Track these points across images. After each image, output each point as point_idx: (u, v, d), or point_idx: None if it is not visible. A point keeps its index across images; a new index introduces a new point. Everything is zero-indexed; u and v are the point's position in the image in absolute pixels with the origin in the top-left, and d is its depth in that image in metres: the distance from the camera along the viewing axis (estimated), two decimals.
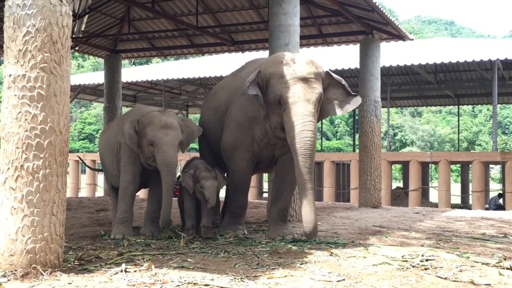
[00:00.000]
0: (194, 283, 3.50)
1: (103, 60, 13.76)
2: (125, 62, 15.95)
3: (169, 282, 3.54)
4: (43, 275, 3.59)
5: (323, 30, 11.59)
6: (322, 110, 5.42)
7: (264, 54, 8.82)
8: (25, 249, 3.68)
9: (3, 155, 3.80)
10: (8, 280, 3.51)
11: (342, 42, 11.99)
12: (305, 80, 5.14)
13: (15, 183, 3.72)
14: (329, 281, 3.66)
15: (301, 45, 8.03)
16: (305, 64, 5.23)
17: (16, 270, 3.62)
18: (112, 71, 13.15)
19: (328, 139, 47.24)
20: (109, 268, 3.97)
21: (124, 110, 18.22)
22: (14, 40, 3.77)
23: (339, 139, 48.88)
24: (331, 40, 11.91)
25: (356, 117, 19.32)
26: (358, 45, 10.80)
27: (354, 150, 22.71)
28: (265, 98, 5.29)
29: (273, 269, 4.03)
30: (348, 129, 47.35)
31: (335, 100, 5.47)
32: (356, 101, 5.49)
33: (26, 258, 3.68)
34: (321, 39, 11.86)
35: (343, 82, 5.50)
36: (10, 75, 3.78)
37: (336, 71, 17.23)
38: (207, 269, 3.98)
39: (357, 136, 17.15)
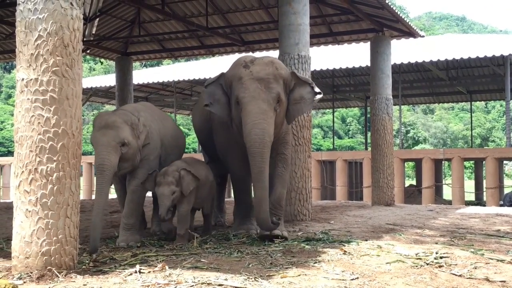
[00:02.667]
0: (208, 283, 3.51)
1: (114, 62, 13.83)
2: (136, 64, 16.03)
3: (183, 282, 3.55)
4: (58, 277, 3.62)
5: (333, 29, 11.57)
6: (291, 110, 5.49)
7: (274, 53, 8.82)
8: (40, 251, 3.71)
9: (17, 158, 3.83)
10: (24, 282, 3.54)
11: (353, 40, 11.95)
12: (261, 80, 5.17)
13: (29, 186, 3.75)
14: (343, 280, 3.65)
15: (311, 44, 8.01)
16: (264, 65, 5.27)
17: (31, 272, 3.65)
18: (124, 74, 13.21)
19: (340, 137, 47.15)
20: (123, 269, 3.99)
21: None
22: (26, 44, 3.80)
23: (351, 137, 48.78)
24: (341, 38, 11.88)
25: (368, 115, 19.26)
26: (368, 43, 10.77)
27: (366, 148, 22.64)
28: (230, 100, 5.41)
29: (286, 268, 4.03)
30: (360, 127, 47.22)
31: (303, 100, 5.51)
32: (317, 97, 5.54)
33: (41, 260, 3.71)
34: (331, 37, 11.84)
35: (310, 81, 5.60)
36: (22, 79, 3.81)
37: (347, 70, 17.24)
38: (220, 269, 3.99)
39: (369, 134, 17.11)
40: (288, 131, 5.90)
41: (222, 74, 5.55)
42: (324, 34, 11.67)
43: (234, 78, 5.32)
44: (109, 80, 19.38)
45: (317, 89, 5.56)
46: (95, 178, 6.37)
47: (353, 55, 17.32)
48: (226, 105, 5.46)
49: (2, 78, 48.32)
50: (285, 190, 5.89)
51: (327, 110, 36.66)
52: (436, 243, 5.15)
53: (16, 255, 3.77)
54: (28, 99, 3.78)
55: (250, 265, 4.14)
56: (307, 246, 4.99)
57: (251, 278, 3.65)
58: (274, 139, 5.29)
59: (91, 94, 19.79)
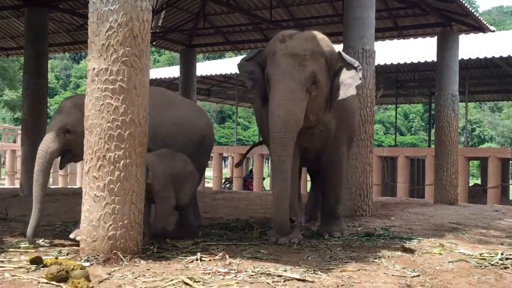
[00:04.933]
0: (268, 274, 3.54)
1: (178, 54, 14.06)
2: (198, 56, 16.23)
3: (243, 271, 3.59)
4: (123, 261, 3.73)
5: (399, 23, 11.36)
6: (334, 94, 4.83)
7: (337, 48, 8.75)
8: (106, 235, 3.84)
9: (87, 145, 3.98)
10: (91, 264, 3.67)
11: (419, 35, 11.70)
12: (296, 56, 4.58)
13: (97, 172, 3.88)
14: (404, 277, 3.61)
15: (376, 38, 7.89)
16: (302, 40, 4.69)
17: (98, 255, 3.78)
18: (188, 65, 13.43)
19: (402, 134, 46.27)
20: (185, 256, 4.07)
21: (199, 104, 18.46)
22: (97, 35, 3.93)
23: (414, 134, 47.77)
24: (407, 32, 11.65)
25: (432, 112, 18.82)
26: (435, 38, 10.51)
27: (429, 146, 22.14)
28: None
29: (346, 262, 4.01)
30: (423, 124, 46.18)
31: (344, 84, 4.85)
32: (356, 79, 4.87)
33: (108, 244, 3.84)
34: (397, 31, 11.63)
35: (356, 64, 4.90)
36: (93, 69, 3.94)
37: (412, 64, 16.88)
38: (280, 260, 4.01)
39: (432, 131, 16.71)
40: (348, 123, 5.28)
41: (260, 51, 5.03)
42: (390, 28, 11.48)
43: (269, 53, 4.76)
44: (173, 71, 19.72)
45: (360, 75, 4.91)
46: None
47: (418, 49, 16.94)
48: (263, 85, 4.87)
49: (71, 68, 50.03)
50: (341, 191, 5.48)
51: (390, 106, 36.05)
52: (502, 244, 5.00)
53: (84, 238, 3.91)
54: (99, 88, 3.91)
55: (309, 258, 4.15)
56: (367, 242, 4.95)
57: (310, 271, 3.66)
58: (313, 129, 4.88)
59: (155, 85, 20.19)
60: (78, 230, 4.54)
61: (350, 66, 4.86)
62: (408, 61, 16.07)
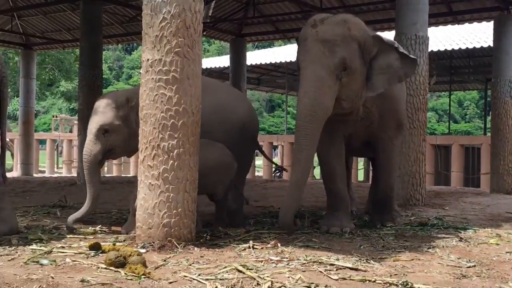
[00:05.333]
0: (320, 262, 3.55)
1: (227, 44, 14.12)
2: (248, 45, 16.27)
3: (295, 260, 3.62)
4: (178, 248, 3.82)
5: (453, 8, 11.05)
6: (375, 81, 4.62)
7: (389, 34, 8.62)
8: (161, 223, 3.93)
9: (141, 135, 4.07)
10: (147, 251, 3.77)
11: (474, 20, 11.36)
12: (326, 42, 4.40)
13: (152, 161, 3.97)
14: (459, 267, 3.55)
15: (429, 24, 7.73)
16: (333, 25, 4.49)
17: (153, 242, 3.88)
18: (237, 55, 13.47)
19: (456, 121, 45.22)
20: (237, 244, 4.13)
21: (249, 92, 18.54)
22: (151, 26, 4.00)
23: (468, 122, 46.61)
24: (462, 17, 11.33)
25: (488, 99, 18.31)
26: (491, 23, 10.19)
27: (485, 133, 21.55)
28: None
29: (399, 252, 3.98)
30: (478, 111, 44.97)
31: (389, 68, 4.64)
32: (413, 65, 4.76)
33: (162, 232, 3.92)
34: (451, 16, 11.31)
35: (396, 44, 4.69)
36: (147, 60, 4.02)
37: (467, 50, 16.44)
38: (332, 249, 4.02)
39: (488, 118, 16.25)
40: (396, 109, 5.06)
41: (296, 39, 4.82)
42: (443, 13, 11.19)
43: (301, 39, 4.62)
44: (223, 61, 19.83)
45: (404, 52, 4.72)
46: None
47: (473, 35, 16.47)
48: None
49: (124, 59, 51.01)
50: (392, 179, 5.26)
51: (443, 93, 35.23)
52: None
53: (140, 226, 4.02)
54: (153, 78, 3.98)
55: (362, 247, 4.13)
56: (420, 231, 4.89)
57: (363, 260, 3.65)
58: (350, 116, 4.71)
59: (205, 75, 20.37)
60: (128, 225, 4.70)
61: (388, 48, 4.65)
62: (463, 47, 15.65)
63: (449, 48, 15.92)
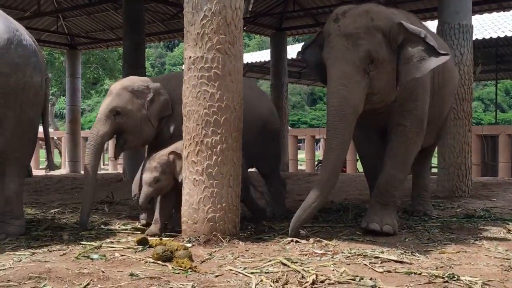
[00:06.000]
0: (364, 255, 3.55)
1: (268, 38, 14.13)
2: (289, 39, 16.23)
3: (339, 253, 3.63)
4: (223, 242, 3.88)
5: None
6: (401, 71, 4.31)
7: (432, 24, 8.48)
8: (206, 217, 3.99)
9: (185, 131, 4.14)
10: (193, 245, 3.84)
11: None
12: (349, 36, 4.18)
13: (196, 157, 4.04)
14: (507, 259, 3.50)
15: (473, 12, 7.57)
16: (355, 17, 4.26)
17: (199, 237, 3.95)
18: (278, 49, 13.47)
19: (503, 111, 44.08)
20: (281, 238, 4.16)
21: (290, 86, 18.47)
22: (193, 24, 4.06)
23: None
24: (508, 4, 11.04)
25: None
26: None
27: None
28: None
29: (445, 244, 3.94)
30: None
31: (414, 58, 4.29)
32: (438, 59, 4.27)
33: (208, 226, 3.99)
34: (496, 4, 11.04)
35: (422, 34, 4.27)
36: (190, 57, 4.08)
37: None
38: (376, 242, 4.01)
39: None
40: (415, 96, 4.60)
41: (319, 33, 4.59)
42: (488, 1, 10.93)
43: (325, 35, 4.40)
44: (264, 55, 19.85)
45: (430, 43, 4.25)
46: None
47: None
48: (325, 70, 4.40)
49: (166, 56, 51.60)
50: (400, 172, 4.57)
51: (489, 82, 34.38)
52: None
53: (185, 220, 4.09)
54: (195, 75, 4.04)
55: (407, 240, 4.11)
56: (466, 223, 4.82)
57: (408, 252, 3.63)
58: (382, 109, 4.46)
59: (247, 69, 20.42)
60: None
61: (414, 37, 4.29)
62: (509, 35, 15.26)
63: (495, 36, 15.56)
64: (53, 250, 3.82)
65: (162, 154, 4.44)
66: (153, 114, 4.82)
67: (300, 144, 23.24)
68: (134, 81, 4.92)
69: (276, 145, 5.62)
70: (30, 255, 3.66)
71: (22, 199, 4.55)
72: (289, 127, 15.06)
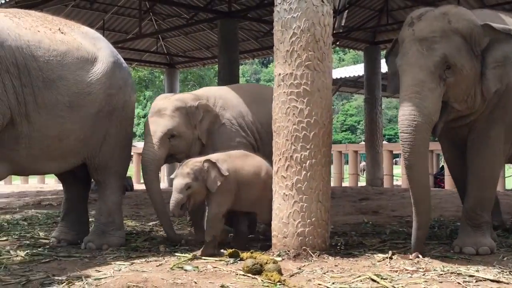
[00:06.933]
0: (458, 273, 3.46)
1: (362, 52, 14.04)
2: (383, 52, 16.02)
3: (432, 270, 3.55)
4: (312, 257, 3.90)
5: None
6: (488, 76, 3.97)
7: None
8: (296, 232, 4.04)
9: (275, 147, 4.22)
10: (283, 259, 3.89)
11: None
12: (423, 40, 3.92)
13: (285, 172, 4.10)
14: None
15: None
16: (431, 20, 3.98)
17: (288, 251, 3.99)
18: (372, 63, 13.33)
19: None
20: (372, 253, 4.12)
21: (385, 100, 18.16)
22: (282, 42, 4.15)
23: None
24: None
25: None
26: None
27: None
28: None
29: None
30: None
31: (507, 60, 3.94)
32: None
33: (297, 241, 4.03)
34: None
35: None
36: (279, 74, 4.17)
37: None
38: (471, 260, 3.88)
39: None
40: (503, 103, 4.20)
41: (395, 40, 4.39)
42: None
43: (400, 41, 4.19)
44: (358, 69, 19.68)
45: None
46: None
47: None
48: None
49: (261, 73, 52.38)
50: (487, 190, 4.26)
51: None
52: None
53: (275, 235, 4.15)
54: (284, 92, 4.12)
55: (505, 258, 3.95)
56: None
57: (506, 272, 3.50)
58: (466, 119, 4.18)
59: (340, 84, 20.32)
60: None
61: (503, 36, 3.95)
62: None
63: None
64: (150, 261, 4.01)
65: (196, 161, 4.27)
66: (203, 131, 4.84)
67: (397, 159, 22.74)
68: (185, 100, 4.84)
69: None
70: (129, 265, 3.87)
71: (122, 210, 4.83)
72: (384, 142, 14.79)
